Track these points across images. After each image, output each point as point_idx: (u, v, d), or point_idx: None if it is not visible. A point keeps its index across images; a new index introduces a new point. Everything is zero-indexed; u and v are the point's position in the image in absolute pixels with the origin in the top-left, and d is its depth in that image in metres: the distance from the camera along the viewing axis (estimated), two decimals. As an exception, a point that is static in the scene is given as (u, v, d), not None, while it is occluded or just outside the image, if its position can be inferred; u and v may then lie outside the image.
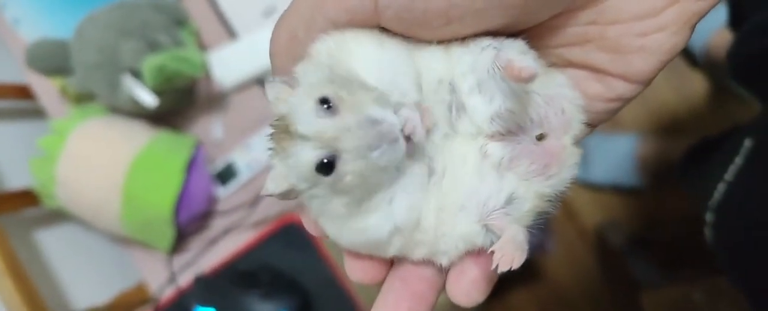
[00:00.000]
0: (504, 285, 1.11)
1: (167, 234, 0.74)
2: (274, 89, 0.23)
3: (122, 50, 0.70)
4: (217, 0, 0.82)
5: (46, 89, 0.85)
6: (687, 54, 1.03)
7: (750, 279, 0.46)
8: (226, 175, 0.80)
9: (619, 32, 0.23)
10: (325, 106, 0.21)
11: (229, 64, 0.79)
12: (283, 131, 0.22)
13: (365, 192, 0.22)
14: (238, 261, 0.77)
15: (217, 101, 0.82)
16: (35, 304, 0.66)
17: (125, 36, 0.71)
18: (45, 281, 0.75)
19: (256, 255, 0.77)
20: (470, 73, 0.23)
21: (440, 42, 0.23)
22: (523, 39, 0.23)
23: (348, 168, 0.21)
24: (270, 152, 0.23)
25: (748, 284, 0.47)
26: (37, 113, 0.88)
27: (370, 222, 0.23)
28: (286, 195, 0.23)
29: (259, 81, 0.81)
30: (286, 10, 0.23)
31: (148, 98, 0.71)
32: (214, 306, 0.70)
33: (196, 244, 0.81)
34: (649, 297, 0.90)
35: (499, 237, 0.22)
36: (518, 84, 0.22)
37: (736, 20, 0.61)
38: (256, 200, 0.77)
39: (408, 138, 0.21)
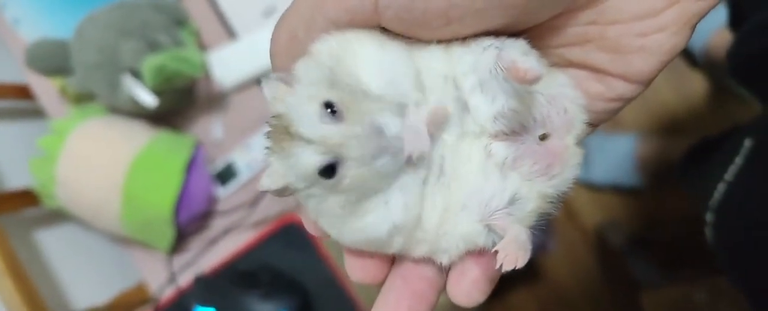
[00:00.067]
0: (504, 284, 1.10)
1: (167, 234, 0.74)
2: (271, 88, 0.23)
3: (122, 50, 0.70)
4: (217, 0, 0.82)
5: (46, 89, 0.85)
6: (687, 54, 1.02)
7: (750, 279, 0.46)
8: (226, 175, 0.80)
9: (619, 32, 0.23)
10: (330, 110, 0.21)
11: (229, 64, 0.79)
12: (282, 131, 0.22)
13: (362, 194, 0.22)
14: (238, 261, 0.77)
15: (217, 101, 0.82)
16: (35, 304, 0.66)
17: (125, 36, 0.71)
18: (45, 281, 0.75)
19: (256, 255, 0.77)
20: (471, 73, 0.23)
21: (440, 42, 0.23)
22: (524, 39, 0.23)
23: (350, 174, 0.21)
24: (267, 149, 0.23)
25: (748, 284, 0.47)
26: (37, 113, 0.88)
27: (368, 221, 0.23)
28: (281, 192, 0.23)
29: (259, 81, 0.80)
30: (286, 10, 0.23)
31: (148, 98, 0.71)
32: (214, 306, 0.70)
33: (196, 244, 0.81)
34: (649, 297, 0.90)
35: (501, 237, 0.22)
36: (522, 85, 0.22)
37: (736, 20, 0.61)
38: (256, 200, 0.78)
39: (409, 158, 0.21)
